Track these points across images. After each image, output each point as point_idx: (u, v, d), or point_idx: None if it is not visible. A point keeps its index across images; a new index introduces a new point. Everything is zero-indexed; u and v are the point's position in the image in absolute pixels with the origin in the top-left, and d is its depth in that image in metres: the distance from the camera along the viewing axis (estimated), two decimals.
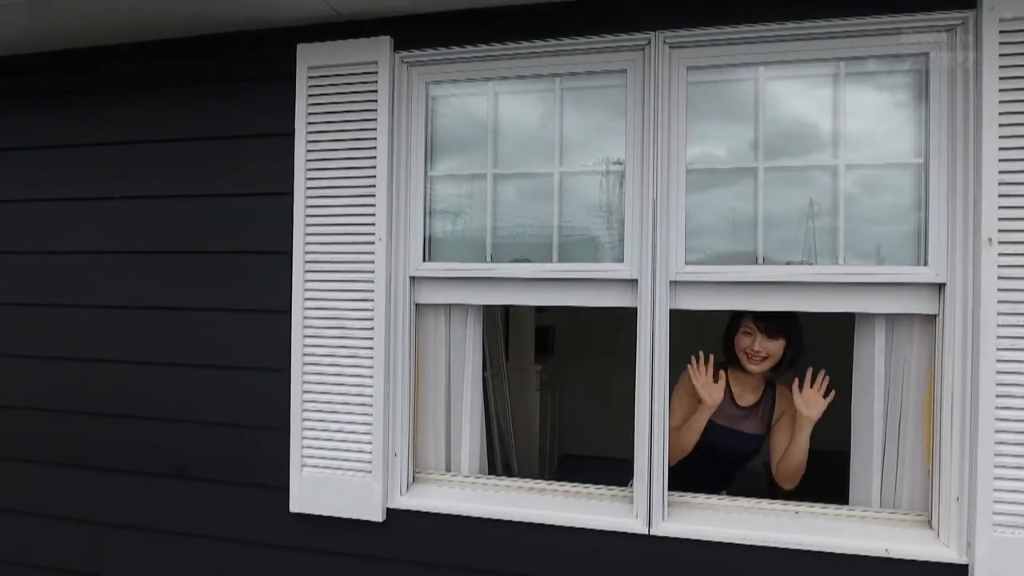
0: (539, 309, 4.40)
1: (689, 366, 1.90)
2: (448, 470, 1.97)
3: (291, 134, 1.88)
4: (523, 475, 3.31)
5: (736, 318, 1.95)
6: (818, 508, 1.71)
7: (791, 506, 1.72)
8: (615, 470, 1.92)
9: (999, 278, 1.48)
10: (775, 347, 1.88)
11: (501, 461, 3.49)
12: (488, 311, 3.39)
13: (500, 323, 3.69)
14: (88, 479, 2.10)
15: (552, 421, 4.36)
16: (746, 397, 2.01)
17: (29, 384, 2.16)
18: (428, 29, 1.83)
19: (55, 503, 2.13)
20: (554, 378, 4.45)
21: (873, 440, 1.72)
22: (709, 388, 1.87)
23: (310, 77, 1.87)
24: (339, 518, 1.86)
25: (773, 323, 1.86)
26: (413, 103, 1.88)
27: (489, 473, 2.00)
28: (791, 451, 1.87)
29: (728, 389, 2.00)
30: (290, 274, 1.89)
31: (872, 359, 1.71)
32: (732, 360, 1.99)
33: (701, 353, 1.90)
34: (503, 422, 3.54)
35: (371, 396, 1.83)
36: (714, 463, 2.02)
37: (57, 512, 2.13)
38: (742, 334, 1.92)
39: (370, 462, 1.83)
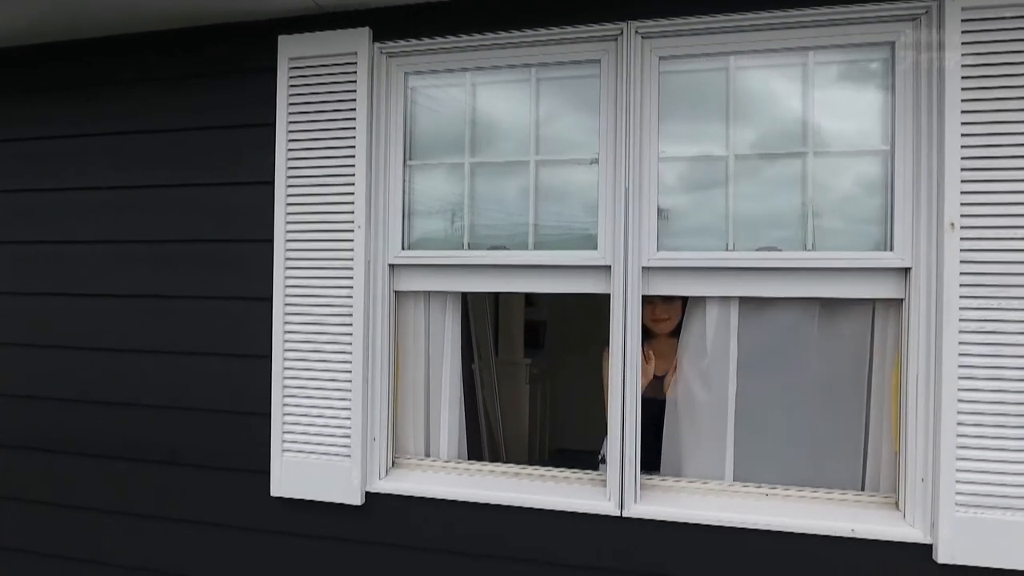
0: (529, 303, 4.43)
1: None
2: (428, 455, 2.00)
3: (272, 124, 1.92)
4: None
5: None
6: (793, 490, 1.73)
7: (763, 488, 1.75)
8: None
9: (961, 262, 1.51)
10: (674, 308, 2.04)
11: (489, 454, 3.52)
12: (476, 303, 3.42)
13: (489, 316, 3.72)
14: (78, 465, 2.13)
15: (542, 415, 4.39)
16: (660, 366, 2.12)
17: (17, 372, 2.19)
18: (406, 20, 1.86)
19: (46, 490, 2.16)
20: (544, 372, 4.48)
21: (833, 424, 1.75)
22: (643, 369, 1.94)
23: (291, 68, 1.90)
24: (319, 502, 1.89)
25: None
26: (392, 93, 1.91)
27: (467, 458, 2.03)
28: None
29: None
30: (272, 262, 1.92)
31: (841, 343, 1.74)
32: (646, 333, 2.08)
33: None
34: (492, 415, 3.57)
35: (350, 382, 1.86)
36: (644, 430, 2.08)
37: (49, 499, 2.16)
38: (646, 304, 2.00)
39: (349, 447, 1.86)
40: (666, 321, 2.07)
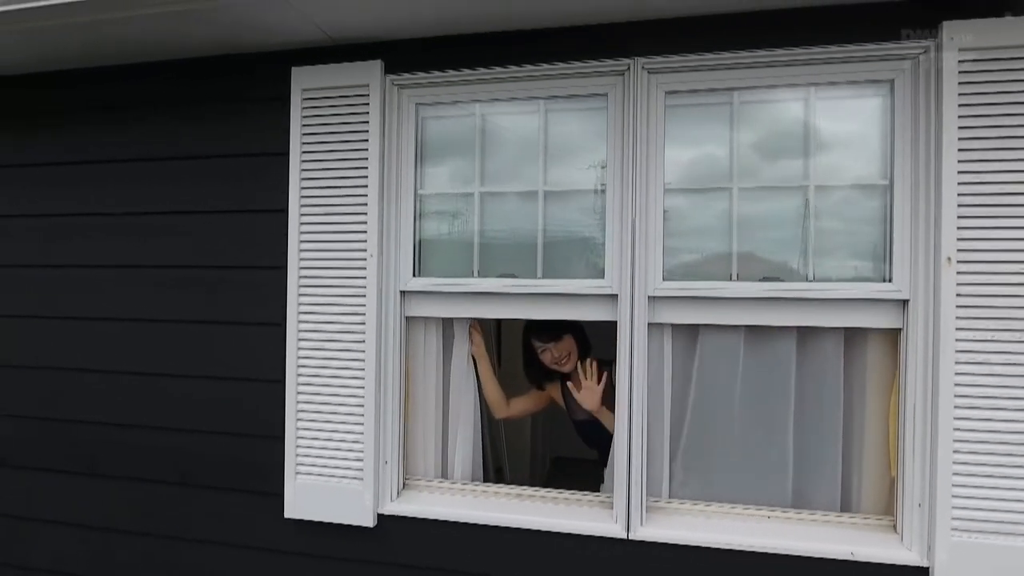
0: None
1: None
2: (445, 476, 2.05)
3: (286, 153, 1.96)
4: (515, 479, 3.39)
5: (527, 349, 2.28)
6: (791, 513, 1.78)
7: (764, 511, 1.80)
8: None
9: (958, 295, 1.56)
10: (568, 344, 2.18)
11: (493, 465, 3.55)
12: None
13: (492, 329, 3.76)
14: (92, 486, 2.17)
15: (543, 424, 4.44)
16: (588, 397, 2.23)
17: (37, 393, 2.22)
18: (418, 54, 1.90)
19: (59, 509, 2.20)
20: None
21: (832, 448, 1.80)
22: (593, 391, 2.09)
23: (304, 99, 1.94)
24: (332, 524, 1.94)
25: (551, 330, 2.16)
26: (403, 124, 1.95)
27: (482, 478, 2.08)
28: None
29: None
30: (285, 288, 1.97)
31: (840, 371, 1.79)
32: (551, 376, 2.29)
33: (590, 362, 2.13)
34: (494, 427, 3.60)
35: (362, 406, 1.90)
36: (601, 449, 2.22)
37: (61, 518, 2.20)
38: (542, 353, 2.21)
39: (361, 469, 1.90)
40: (567, 360, 2.18)
